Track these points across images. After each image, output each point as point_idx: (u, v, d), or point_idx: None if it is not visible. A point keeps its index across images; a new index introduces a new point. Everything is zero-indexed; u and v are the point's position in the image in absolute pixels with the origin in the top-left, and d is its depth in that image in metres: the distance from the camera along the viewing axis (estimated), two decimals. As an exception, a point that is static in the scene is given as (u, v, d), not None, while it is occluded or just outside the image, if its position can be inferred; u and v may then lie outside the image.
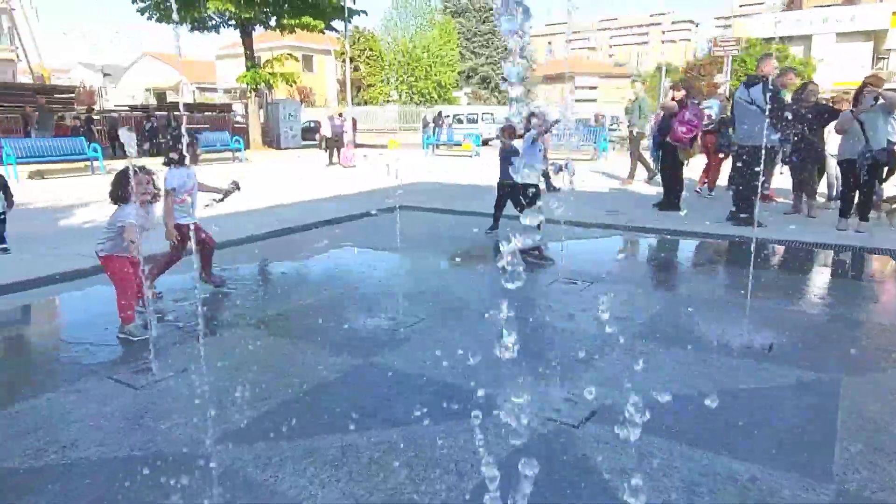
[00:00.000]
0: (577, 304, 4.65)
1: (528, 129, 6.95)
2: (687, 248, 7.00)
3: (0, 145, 13.83)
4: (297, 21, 21.54)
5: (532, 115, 7.23)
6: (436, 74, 45.63)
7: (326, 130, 17.51)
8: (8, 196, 6.46)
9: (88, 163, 15.41)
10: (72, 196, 10.70)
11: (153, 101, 33.19)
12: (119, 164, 5.54)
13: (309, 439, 2.73)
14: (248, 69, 22.95)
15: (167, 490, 2.33)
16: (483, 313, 4.32)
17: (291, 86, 26.29)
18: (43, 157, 14.76)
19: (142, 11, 21.60)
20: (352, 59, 50.78)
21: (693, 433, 2.75)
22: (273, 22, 22.64)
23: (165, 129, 20.17)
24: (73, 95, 25.60)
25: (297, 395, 3.18)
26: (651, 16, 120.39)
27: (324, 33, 24.57)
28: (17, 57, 33.36)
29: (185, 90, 46.16)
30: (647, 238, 7.29)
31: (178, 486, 2.34)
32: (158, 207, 4.39)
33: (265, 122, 25.05)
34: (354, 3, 23.99)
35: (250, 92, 23.70)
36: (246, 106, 25.70)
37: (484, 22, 55.47)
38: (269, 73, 23.25)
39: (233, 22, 22.55)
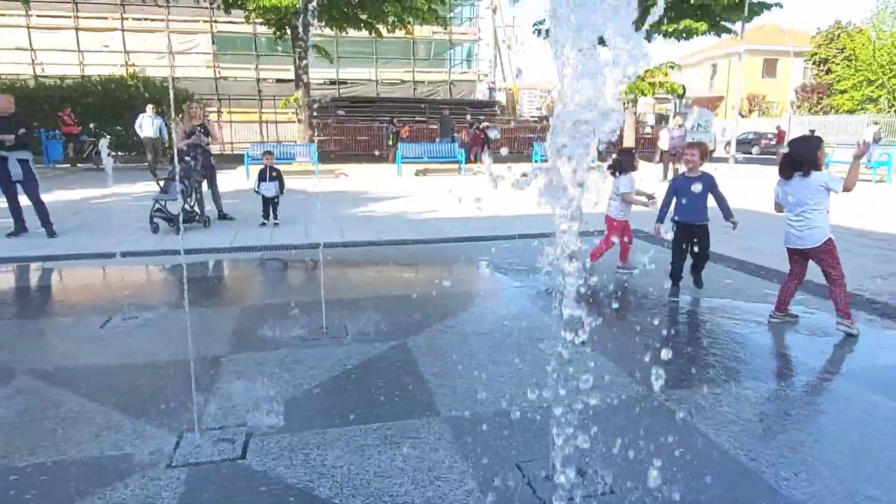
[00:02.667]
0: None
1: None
2: None
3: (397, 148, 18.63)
4: (675, 27, 20.78)
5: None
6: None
7: (664, 143, 16.68)
8: (281, 184, 9.23)
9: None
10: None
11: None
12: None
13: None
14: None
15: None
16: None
17: (679, 95, 25.35)
18: (421, 159, 18.91)
19: (538, 32, 24.45)
20: (825, 61, 44.84)
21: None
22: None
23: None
24: (493, 109, 30.90)
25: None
26: None
27: (719, 36, 22.93)
28: (479, 78, 41.89)
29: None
30: None
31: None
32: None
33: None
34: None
35: (628, 103, 24.06)
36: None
37: None
38: (647, 83, 23.12)
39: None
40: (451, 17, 29.51)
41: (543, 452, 2.83)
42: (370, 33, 19.22)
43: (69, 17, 27.34)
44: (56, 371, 3.84)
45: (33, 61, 27.23)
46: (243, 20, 19.02)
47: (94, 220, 9.71)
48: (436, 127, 23.75)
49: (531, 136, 26.00)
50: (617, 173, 6.33)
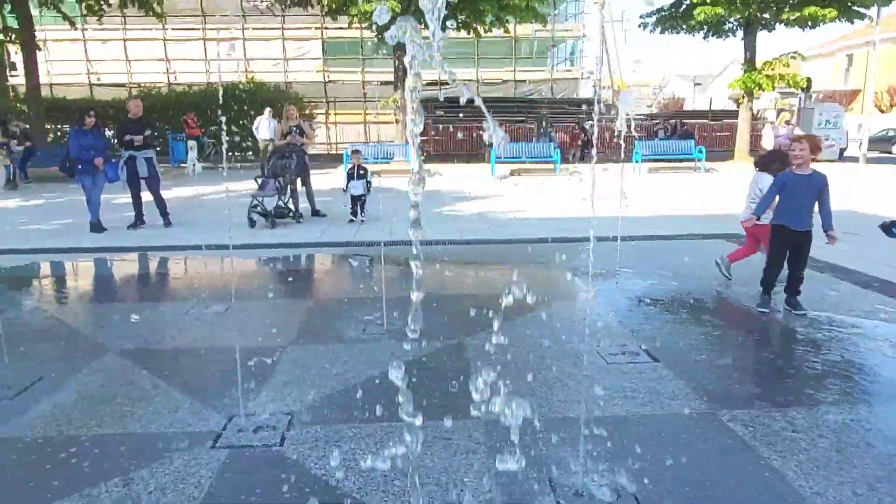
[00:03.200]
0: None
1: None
2: None
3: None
4: (798, 14, 19.09)
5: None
6: None
7: (767, 142, 15.35)
8: (368, 183, 9.47)
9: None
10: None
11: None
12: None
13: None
14: (744, 72, 21.85)
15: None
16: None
17: (803, 89, 23.31)
18: (519, 158, 18.72)
19: (643, 26, 23.42)
20: None
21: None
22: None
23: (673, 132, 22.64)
24: (595, 107, 29.98)
25: None
26: None
27: (851, 23, 20.81)
28: (581, 76, 40.88)
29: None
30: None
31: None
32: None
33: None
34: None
35: (742, 98, 22.45)
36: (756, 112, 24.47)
37: None
38: (765, 76, 21.45)
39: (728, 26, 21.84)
40: (554, 13, 29.00)
41: (579, 468, 2.68)
42: (468, 33, 19.30)
43: (198, 28, 29.80)
44: (137, 351, 4.18)
45: (167, 70, 29.96)
46: (352, 26, 19.83)
47: (203, 214, 10.50)
48: (533, 126, 23.47)
49: (634, 135, 24.99)
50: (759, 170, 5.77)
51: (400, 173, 18.00)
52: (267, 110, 18.30)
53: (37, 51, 17.79)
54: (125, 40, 29.49)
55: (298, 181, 9.95)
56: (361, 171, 9.50)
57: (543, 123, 21.51)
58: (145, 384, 3.64)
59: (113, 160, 9.15)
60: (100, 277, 7.15)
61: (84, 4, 18.21)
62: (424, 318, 4.81)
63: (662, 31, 23.52)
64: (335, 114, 29.08)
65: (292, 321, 4.88)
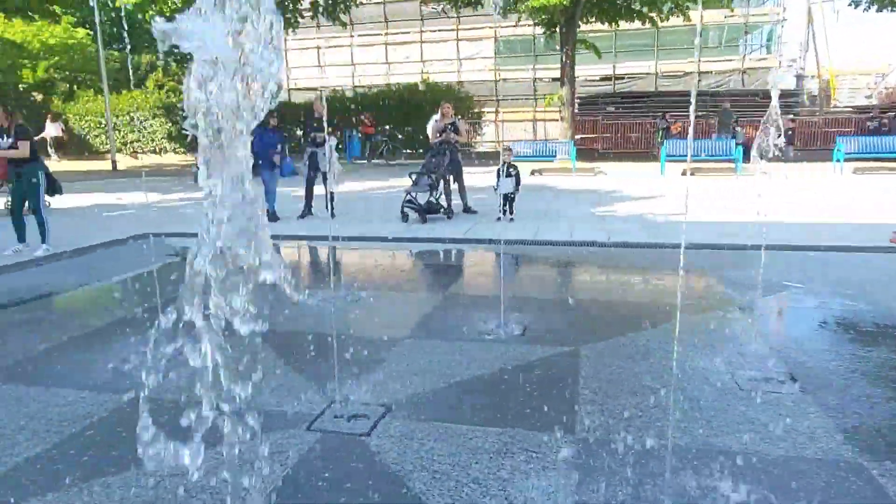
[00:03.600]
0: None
1: None
2: None
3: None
4: None
5: None
6: None
7: None
8: (518, 181, 9.35)
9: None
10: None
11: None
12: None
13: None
14: None
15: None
16: None
17: None
18: (697, 156, 17.21)
19: (854, 4, 20.25)
20: None
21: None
22: None
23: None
24: (796, 99, 26.62)
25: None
26: None
27: None
28: (779, 64, 36.50)
29: None
30: None
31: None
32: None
33: None
34: None
35: None
36: None
37: None
38: None
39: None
40: (748, -3, 26.31)
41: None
42: (643, 23, 18.23)
43: (380, 34, 31.90)
44: (277, 335, 4.53)
45: (353, 74, 32.51)
46: (523, 24, 19.85)
47: (366, 208, 11.21)
48: (714, 122, 21.51)
49: (842, 130, 21.78)
50: None
51: (561, 171, 17.64)
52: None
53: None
54: (318, 48, 32.55)
55: (451, 178, 10.18)
56: (512, 170, 9.43)
57: (724, 118, 19.58)
58: (274, 364, 3.95)
59: (288, 157, 10.14)
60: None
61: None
62: (545, 322, 4.66)
63: (879, 9, 20.09)
64: (503, 112, 29.31)
65: (418, 314, 4.99)
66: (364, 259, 7.51)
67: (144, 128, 25.35)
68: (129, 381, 3.67)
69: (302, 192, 10.21)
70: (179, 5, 17.63)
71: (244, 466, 2.68)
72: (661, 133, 20.37)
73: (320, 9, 20.26)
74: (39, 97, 28.02)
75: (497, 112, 29.87)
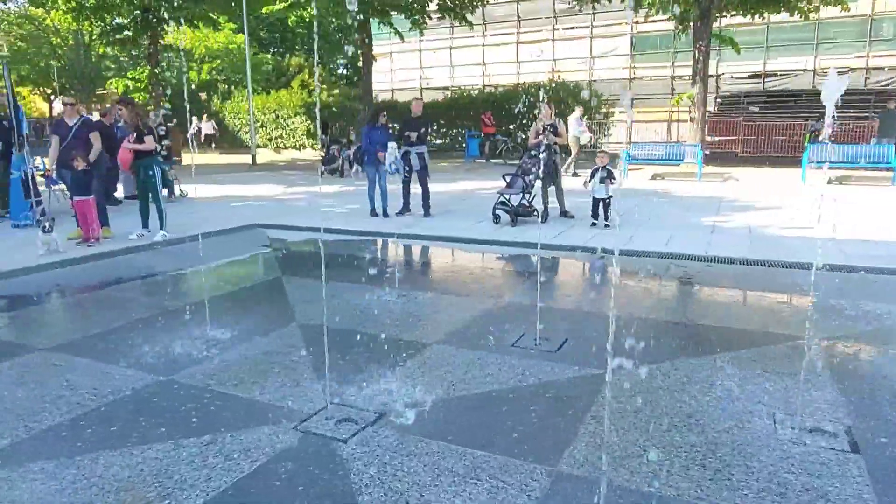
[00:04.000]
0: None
1: None
2: None
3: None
4: None
5: None
6: None
7: None
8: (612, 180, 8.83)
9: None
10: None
11: None
12: None
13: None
14: None
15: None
16: None
17: None
18: (854, 163, 15.12)
19: None
20: None
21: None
22: None
23: None
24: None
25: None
26: None
27: None
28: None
29: None
30: None
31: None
32: None
33: None
34: None
35: None
36: None
37: None
38: None
39: None
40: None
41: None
42: (790, 15, 16.35)
43: (512, 33, 31.75)
44: (310, 328, 4.68)
45: (483, 73, 32.70)
46: (656, 19, 18.73)
47: (464, 207, 11.22)
48: (875, 124, 18.81)
49: None
50: None
51: (686, 176, 16.41)
52: (578, 108, 18.20)
53: (372, 61, 21.35)
54: (451, 48, 33.13)
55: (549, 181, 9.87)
56: (605, 174, 8.94)
57: (887, 120, 17.01)
58: (295, 357, 4.07)
59: (395, 155, 10.39)
60: (330, 256, 8.01)
61: (410, 20, 21.05)
62: (586, 339, 4.34)
63: None
64: (637, 112, 27.88)
65: (461, 320, 4.88)
66: (436, 259, 7.51)
67: (287, 125, 27.39)
68: (168, 363, 3.97)
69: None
70: (319, 11, 18.84)
71: (215, 459, 2.77)
72: (808, 137, 18.24)
73: (448, 10, 20.59)
74: (203, 96, 31.38)
75: (632, 110, 28.49)
